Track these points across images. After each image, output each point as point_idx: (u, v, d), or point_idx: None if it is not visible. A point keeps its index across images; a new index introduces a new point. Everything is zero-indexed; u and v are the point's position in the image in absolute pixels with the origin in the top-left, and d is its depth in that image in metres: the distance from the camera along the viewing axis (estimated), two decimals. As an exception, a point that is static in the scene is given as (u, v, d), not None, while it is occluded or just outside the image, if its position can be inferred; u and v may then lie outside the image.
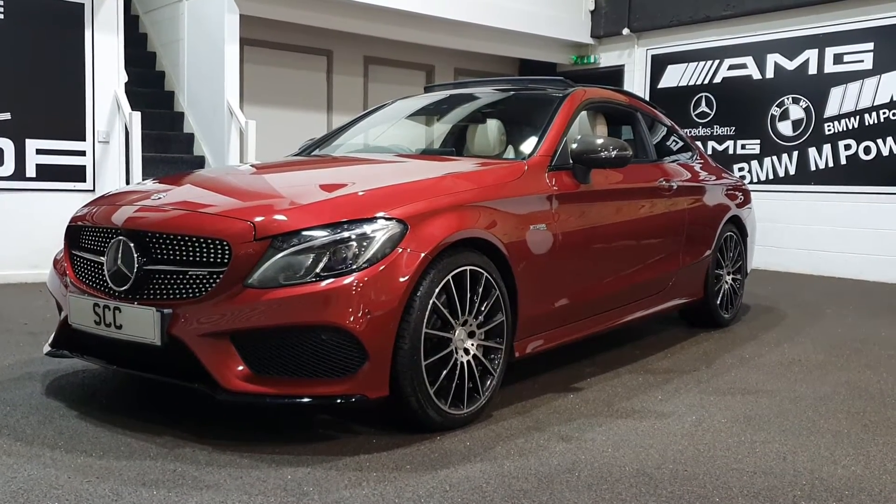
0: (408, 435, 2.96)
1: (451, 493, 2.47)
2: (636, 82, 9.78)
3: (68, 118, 6.66)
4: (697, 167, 5.25)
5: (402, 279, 2.82)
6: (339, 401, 2.77)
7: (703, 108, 9.19)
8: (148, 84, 8.48)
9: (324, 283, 2.73)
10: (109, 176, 6.84)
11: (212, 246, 2.81)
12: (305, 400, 2.76)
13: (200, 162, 7.91)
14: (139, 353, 2.96)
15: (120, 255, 2.97)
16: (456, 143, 4.69)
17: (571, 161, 3.83)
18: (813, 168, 8.33)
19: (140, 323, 2.85)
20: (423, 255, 2.88)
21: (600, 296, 4.06)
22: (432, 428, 2.99)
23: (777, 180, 8.58)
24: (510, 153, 4.09)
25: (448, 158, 4.08)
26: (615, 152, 3.80)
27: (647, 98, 9.54)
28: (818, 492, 2.58)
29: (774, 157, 8.60)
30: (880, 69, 7.85)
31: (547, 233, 3.56)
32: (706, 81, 9.16)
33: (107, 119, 6.82)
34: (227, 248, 2.79)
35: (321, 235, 2.80)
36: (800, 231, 8.36)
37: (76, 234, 3.32)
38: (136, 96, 7.42)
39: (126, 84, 7.01)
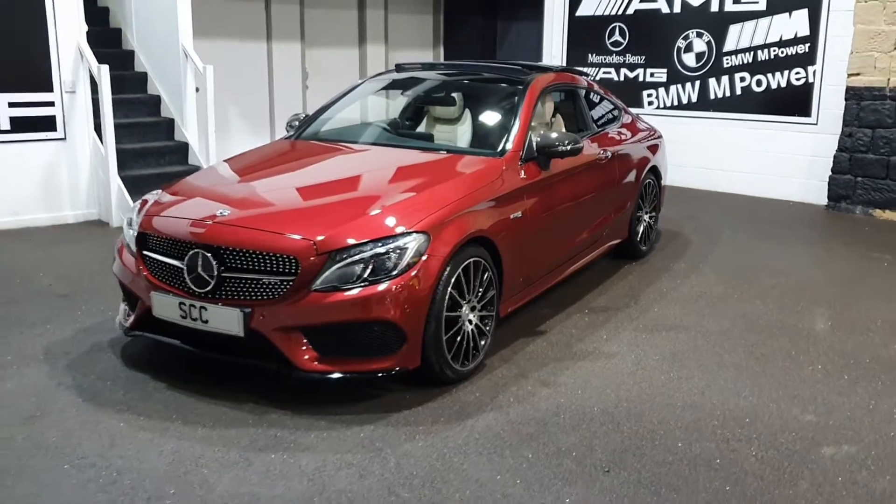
0: (429, 390, 3.92)
1: (480, 441, 3.47)
2: (556, 9, 10.47)
3: (36, 71, 6.94)
4: (625, 131, 6.21)
5: (429, 278, 3.71)
6: (385, 374, 3.70)
7: (617, 37, 10.04)
8: (92, 22, 8.58)
9: (374, 287, 3.59)
10: (78, 124, 7.22)
11: (283, 260, 3.61)
12: (361, 374, 3.68)
13: (157, 101, 8.27)
14: (220, 338, 3.76)
15: (200, 265, 3.71)
16: (428, 127, 5.48)
17: (535, 152, 4.71)
18: (712, 97, 9.42)
19: (225, 319, 3.66)
20: (442, 258, 3.77)
21: (559, 256, 5.07)
22: (448, 382, 3.97)
23: (681, 107, 9.66)
24: (481, 143, 4.92)
25: (434, 151, 4.84)
26: (570, 146, 4.69)
27: (566, 25, 10.31)
28: (728, 421, 3.72)
29: (679, 86, 9.64)
30: (772, 11, 8.86)
31: (523, 218, 4.48)
32: (620, 12, 9.98)
33: (71, 69, 7.12)
34: (295, 262, 3.59)
35: (367, 249, 3.64)
36: (700, 152, 9.54)
37: (145, 239, 4.01)
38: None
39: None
